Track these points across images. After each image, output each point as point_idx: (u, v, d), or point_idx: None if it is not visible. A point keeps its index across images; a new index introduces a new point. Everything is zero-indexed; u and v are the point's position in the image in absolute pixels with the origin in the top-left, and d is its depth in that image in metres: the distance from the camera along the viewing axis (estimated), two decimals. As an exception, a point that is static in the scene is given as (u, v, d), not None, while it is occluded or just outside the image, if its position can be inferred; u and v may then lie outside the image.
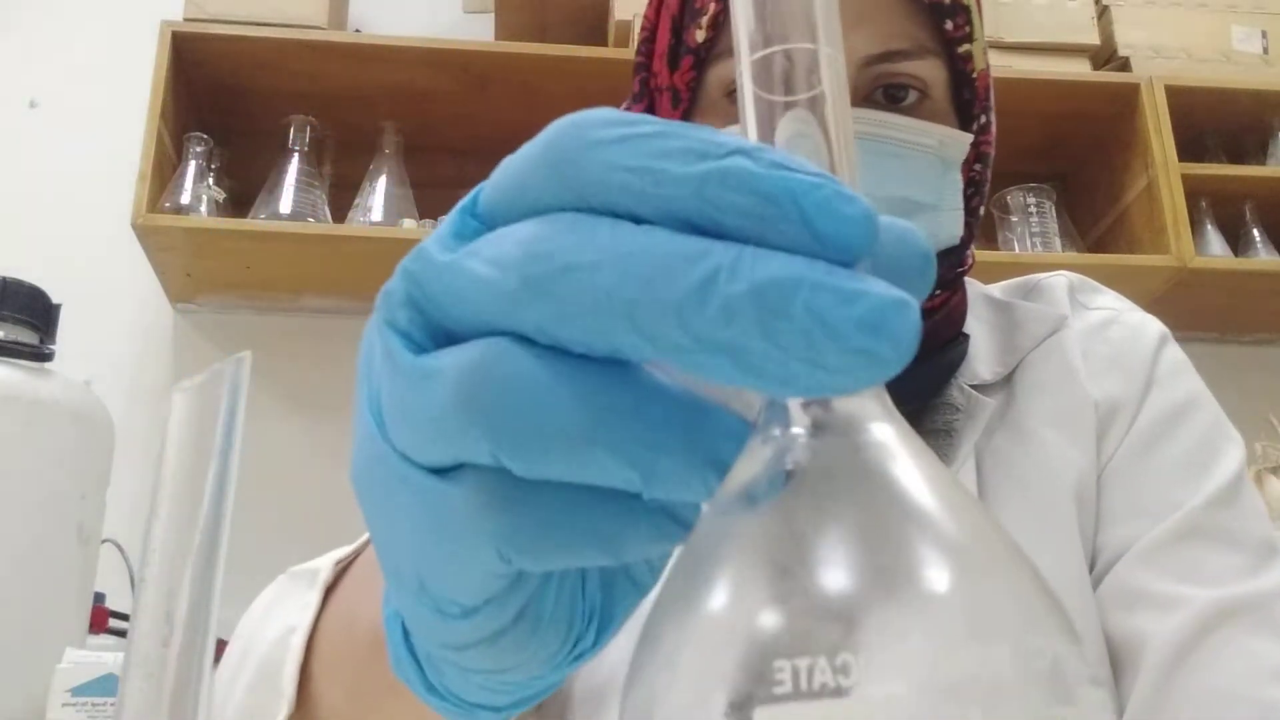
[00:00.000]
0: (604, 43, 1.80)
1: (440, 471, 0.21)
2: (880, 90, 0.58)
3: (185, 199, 1.64)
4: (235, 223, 1.64)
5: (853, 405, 0.19)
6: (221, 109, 1.77)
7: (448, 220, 0.21)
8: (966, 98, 0.62)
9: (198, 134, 1.69)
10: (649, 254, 0.18)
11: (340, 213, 1.71)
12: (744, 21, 0.20)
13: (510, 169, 0.21)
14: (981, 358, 0.66)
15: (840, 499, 0.18)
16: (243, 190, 1.74)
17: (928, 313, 0.62)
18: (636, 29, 1.74)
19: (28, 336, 1.09)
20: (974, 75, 0.61)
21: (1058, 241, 1.83)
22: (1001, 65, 1.71)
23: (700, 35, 0.60)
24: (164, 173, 1.63)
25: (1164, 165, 1.77)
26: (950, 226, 0.60)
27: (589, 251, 0.18)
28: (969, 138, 0.61)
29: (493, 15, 1.87)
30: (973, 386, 0.65)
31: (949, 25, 0.60)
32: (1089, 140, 1.91)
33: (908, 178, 0.58)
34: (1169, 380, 0.65)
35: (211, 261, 1.67)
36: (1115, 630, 0.58)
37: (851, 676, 0.15)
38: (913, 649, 0.16)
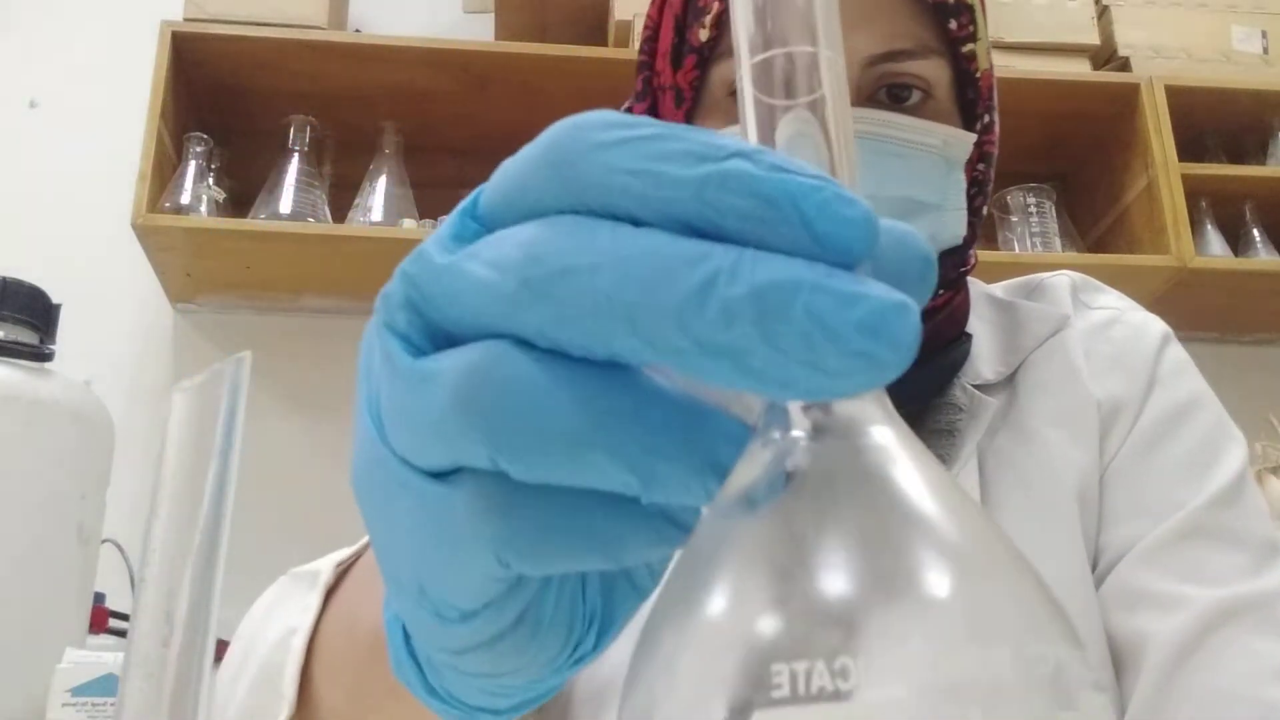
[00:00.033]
0: (604, 43, 1.80)
1: (439, 475, 0.21)
2: (884, 90, 0.58)
3: (185, 199, 1.64)
4: (235, 223, 1.64)
5: (853, 408, 0.18)
6: (221, 109, 1.77)
7: (447, 222, 0.21)
8: (970, 97, 0.62)
9: (198, 134, 1.69)
10: (648, 257, 0.18)
11: (340, 213, 1.71)
12: (744, 24, 0.20)
13: (510, 171, 0.20)
14: (984, 357, 0.66)
15: (840, 503, 0.17)
16: (243, 190, 1.74)
17: (931, 312, 0.62)
18: (636, 29, 1.74)
19: (28, 336, 1.09)
20: (978, 75, 0.61)
21: (1058, 241, 1.83)
22: (1001, 65, 1.70)
23: (703, 34, 0.60)
24: (164, 173, 1.63)
25: (1164, 165, 1.77)
26: (953, 226, 0.60)
27: (588, 254, 0.18)
28: (972, 137, 0.61)
29: (493, 15, 1.87)
30: (975, 386, 0.65)
31: (953, 25, 0.60)
32: (1089, 140, 1.91)
33: (911, 177, 0.58)
34: (1171, 380, 0.65)
35: (211, 261, 1.67)
36: (1117, 630, 0.58)
37: (850, 680, 0.15)
38: (912, 653, 0.16)
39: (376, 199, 1.71)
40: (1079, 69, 1.86)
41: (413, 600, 0.23)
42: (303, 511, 1.55)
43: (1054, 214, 1.85)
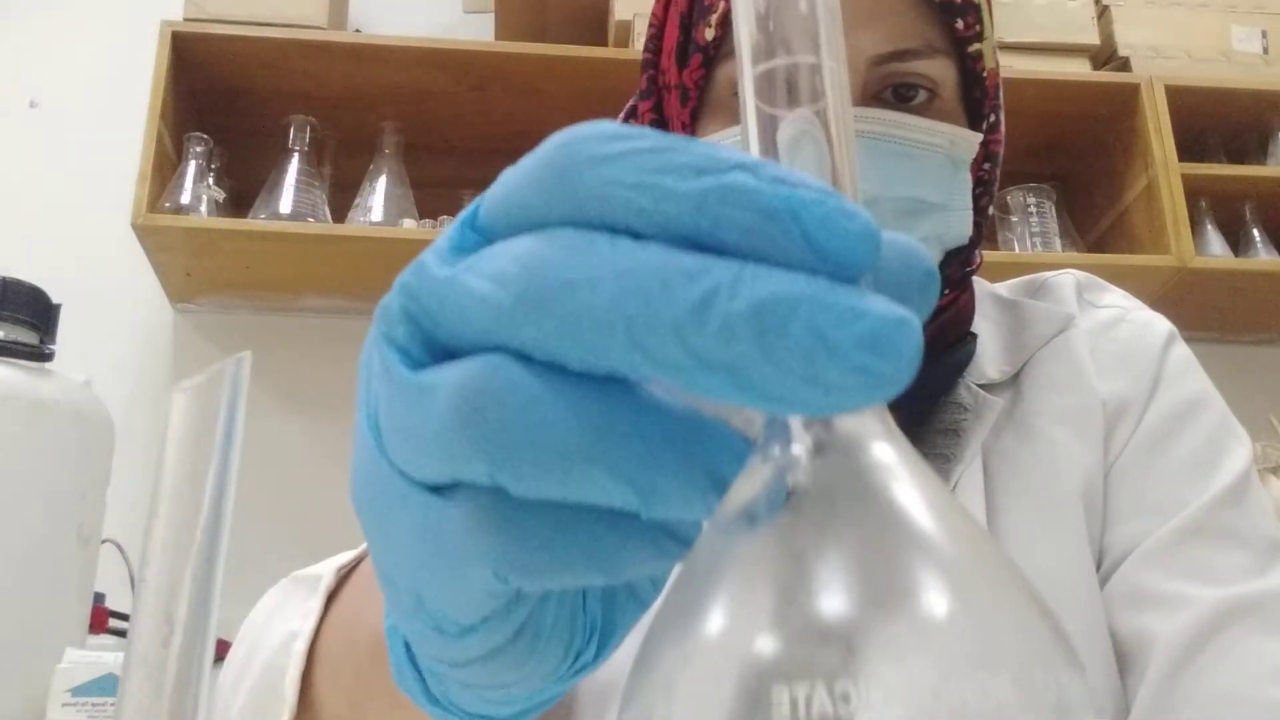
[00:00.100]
0: (604, 43, 1.80)
1: (438, 489, 0.20)
2: (890, 89, 0.58)
3: (185, 199, 1.64)
4: (235, 223, 1.64)
5: (854, 424, 0.18)
6: (221, 109, 1.77)
7: (447, 233, 0.21)
8: (976, 97, 0.62)
9: (198, 134, 1.69)
10: (648, 271, 0.18)
11: (340, 213, 1.71)
12: (746, 34, 0.20)
13: (510, 182, 0.20)
14: (989, 357, 0.66)
15: (841, 522, 0.17)
16: (243, 190, 1.74)
17: (936, 312, 0.62)
18: (637, 29, 1.74)
19: (28, 336, 1.09)
20: (984, 74, 0.61)
21: (1058, 241, 1.83)
22: (1002, 65, 1.70)
23: (709, 33, 0.60)
24: (164, 173, 1.63)
25: (1164, 165, 1.77)
26: (959, 226, 0.60)
27: (588, 268, 0.18)
28: (978, 137, 0.61)
29: (493, 15, 1.87)
30: (980, 385, 0.64)
31: (959, 24, 0.60)
32: (1089, 140, 1.91)
33: (917, 177, 0.58)
34: (1176, 378, 0.65)
35: (211, 261, 1.67)
36: (1122, 629, 0.58)
37: (851, 704, 0.15)
38: (914, 678, 0.16)
39: (376, 199, 1.71)
40: (1079, 69, 1.86)
41: (411, 613, 0.23)
42: (303, 511, 1.55)
43: (1054, 214, 1.85)
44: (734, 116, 0.60)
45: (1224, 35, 1.91)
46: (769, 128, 0.20)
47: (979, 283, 0.70)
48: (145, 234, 1.58)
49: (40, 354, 1.09)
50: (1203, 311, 1.83)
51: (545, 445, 0.19)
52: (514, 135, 1.79)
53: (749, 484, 0.18)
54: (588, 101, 1.75)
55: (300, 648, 0.45)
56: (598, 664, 0.25)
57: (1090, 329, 0.68)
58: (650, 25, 0.65)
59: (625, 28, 1.77)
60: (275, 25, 1.69)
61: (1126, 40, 1.87)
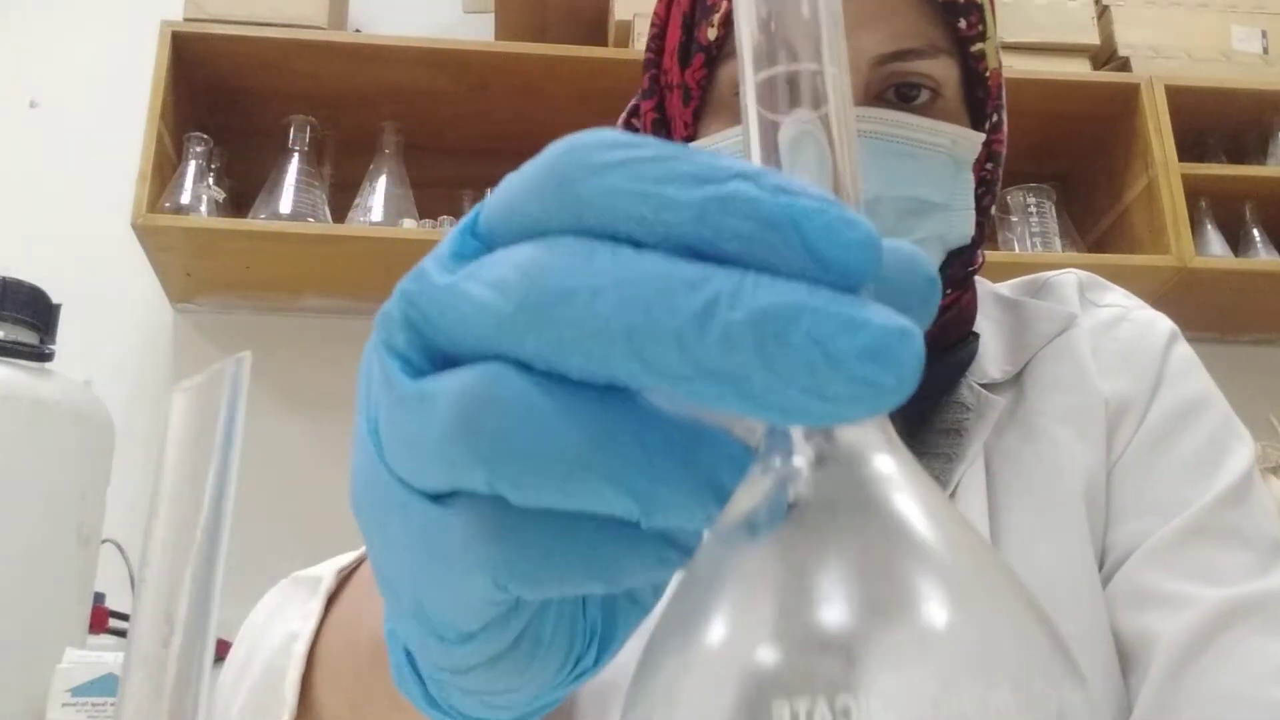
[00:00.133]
0: (604, 43, 1.80)
1: (438, 497, 0.20)
2: (893, 89, 0.58)
3: (185, 199, 1.64)
4: (235, 223, 1.64)
5: (855, 435, 0.18)
6: (221, 109, 1.77)
7: (448, 239, 0.21)
8: (979, 96, 0.62)
9: (198, 134, 1.69)
10: (649, 280, 0.18)
11: (340, 213, 1.71)
12: (748, 42, 0.20)
13: (511, 189, 0.20)
14: (991, 356, 0.66)
15: (842, 535, 0.17)
16: (243, 190, 1.74)
17: (939, 311, 0.62)
18: (637, 29, 1.74)
19: (28, 336, 1.09)
20: (987, 74, 0.61)
21: (1058, 241, 1.83)
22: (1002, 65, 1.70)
23: (712, 33, 0.60)
24: (164, 173, 1.63)
25: (1164, 165, 1.77)
26: (962, 226, 0.60)
27: (588, 277, 0.18)
28: (981, 137, 0.61)
29: (493, 15, 1.87)
30: (982, 385, 0.64)
31: (962, 24, 0.59)
32: (1089, 140, 1.91)
33: (920, 177, 0.58)
34: (1179, 378, 0.65)
35: (211, 261, 1.67)
36: (1125, 629, 0.58)
37: (852, 719, 0.15)
38: (915, 693, 0.16)
39: (376, 199, 1.71)
40: (1079, 69, 1.86)
41: (411, 620, 0.23)
42: (303, 511, 1.55)
43: (1054, 214, 1.85)
44: (737, 116, 0.60)
45: (1224, 35, 1.91)
46: (770, 134, 0.19)
47: (981, 282, 0.70)
48: (145, 234, 1.58)
49: (40, 354, 1.09)
50: (1203, 311, 1.83)
51: (545, 454, 0.19)
52: (514, 135, 1.79)
53: (750, 494, 0.18)
54: (588, 101, 1.75)
55: (300, 649, 0.45)
56: (598, 669, 0.25)
57: (1092, 328, 0.68)
58: (652, 24, 0.65)
59: (625, 28, 1.77)
60: (275, 25, 1.69)
61: (1126, 40, 1.88)
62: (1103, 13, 1.90)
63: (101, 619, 1.23)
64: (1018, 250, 1.81)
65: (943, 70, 0.59)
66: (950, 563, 0.17)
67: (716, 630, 0.17)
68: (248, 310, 1.81)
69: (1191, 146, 1.88)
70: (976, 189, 0.62)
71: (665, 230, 0.18)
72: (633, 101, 0.67)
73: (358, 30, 1.90)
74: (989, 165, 0.63)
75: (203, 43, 1.67)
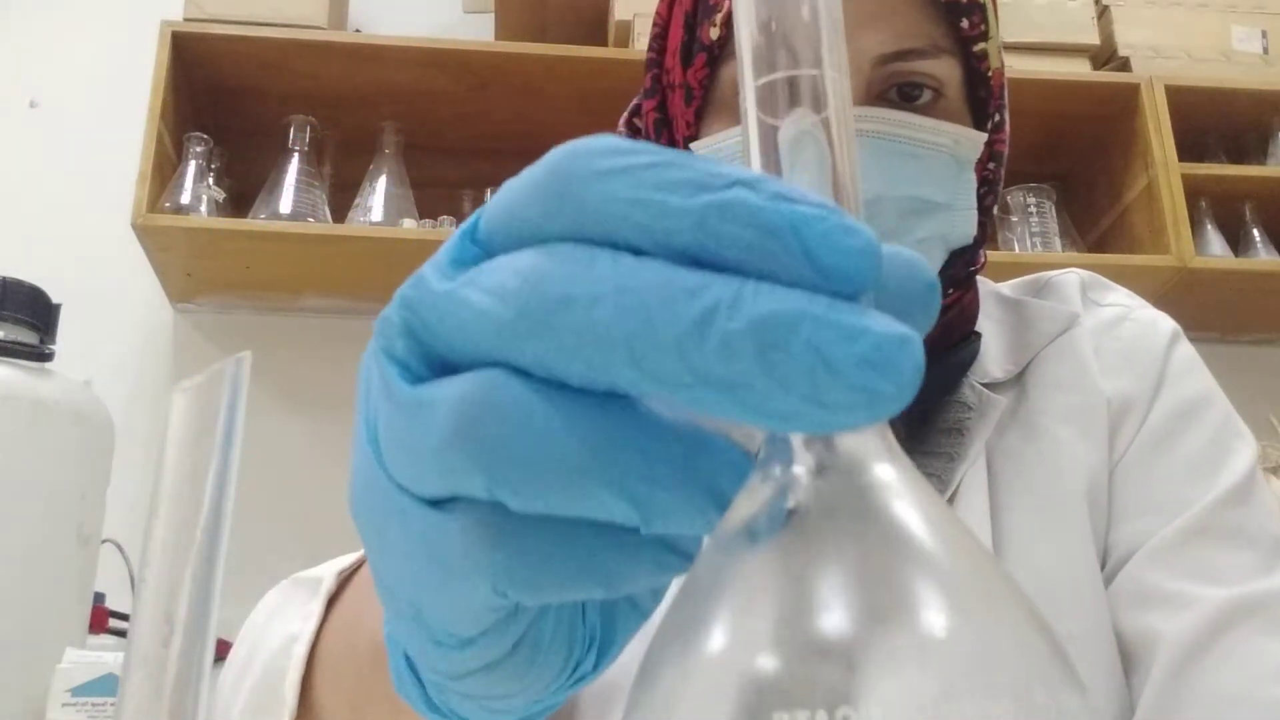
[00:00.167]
0: (604, 43, 1.80)
1: (437, 503, 0.20)
2: (895, 89, 0.58)
3: (185, 199, 1.64)
4: (235, 223, 1.64)
5: (855, 442, 0.18)
6: (221, 109, 1.77)
7: (447, 245, 0.21)
8: (981, 96, 0.62)
9: (198, 134, 1.69)
10: (649, 287, 0.18)
11: (340, 213, 1.71)
12: (748, 44, 0.20)
13: (510, 196, 0.20)
14: (993, 355, 0.66)
15: (842, 543, 0.17)
16: (243, 190, 1.74)
17: (941, 311, 0.62)
18: (637, 29, 1.74)
19: (28, 336, 1.09)
20: (989, 74, 0.61)
21: (1058, 241, 1.83)
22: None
23: (714, 32, 0.59)
24: (164, 173, 1.63)
25: (1164, 165, 1.77)
26: (964, 226, 0.60)
27: (588, 284, 0.18)
28: (983, 137, 0.61)
29: (493, 15, 1.87)
30: (984, 384, 0.64)
31: (964, 24, 0.59)
32: (1089, 140, 1.91)
33: (922, 177, 0.57)
34: (1181, 377, 0.65)
35: (211, 261, 1.67)
36: (1127, 629, 0.58)
37: None
38: (915, 704, 0.16)
39: (376, 199, 1.71)
40: (1079, 69, 1.86)
41: (410, 625, 0.23)
42: (303, 511, 1.55)
43: (1054, 214, 1.85)
44: (739, 116, 0.59)
45: (1224, 35, 1.91)
46: (770, 138, 0.19)
47: (982, 282, 0.70)
48: (145, 234, 1.58)
49: (40, 354, 1.09)
50: (1203, 311, 1.83)
51: (544, 460, 0.19)
52: (514, 135, 1.79)
53: (750, 501, 0.18)
54: (588, 101, 1.75)
55: (301, 650, 0.45)
56: (597, 674, 0.25)
57: (1094, 328, 0.68)
58: (655, 24, 0.65)
59: (625, 28, 1.76)
60: (275, 25, 1.69)
61: (1126, 40, 1.88)
62: (1103, 13, 1.90)
63: (101, 619, 1.23)
64: (1018, 250, 1.81)
65: (945, 70, 0.59)
66: (950, 571, 0.17)
67: (716, 639, 0.17)
68: (248, 310, 1.81)
69: (1191, 146, 1.88)
70: (978, 189, 0.62)
71: (665, 237, 0.18)
72: (635, 101, 0.67)
73: (358, 30, 1.90)
74: (991, 165, 0.63)
75: (203, 43, 1.67)
